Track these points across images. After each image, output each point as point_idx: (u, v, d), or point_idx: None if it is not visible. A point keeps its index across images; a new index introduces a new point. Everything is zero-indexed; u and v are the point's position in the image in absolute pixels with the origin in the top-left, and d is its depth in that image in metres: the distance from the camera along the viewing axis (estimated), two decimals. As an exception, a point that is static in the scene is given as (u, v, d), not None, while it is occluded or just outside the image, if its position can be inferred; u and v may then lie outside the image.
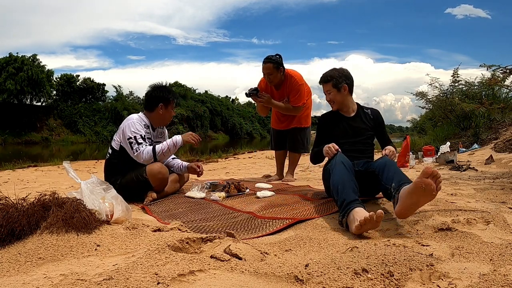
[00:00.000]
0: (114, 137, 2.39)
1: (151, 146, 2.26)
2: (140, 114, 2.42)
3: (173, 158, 2.62)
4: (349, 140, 2.14)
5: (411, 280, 0.94)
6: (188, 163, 2.62)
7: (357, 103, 2.26)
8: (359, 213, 1.43)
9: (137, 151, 2.22)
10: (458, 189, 2.42)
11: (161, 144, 2.30)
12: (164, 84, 2.52)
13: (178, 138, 2.38)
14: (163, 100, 2.40)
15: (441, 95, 8.56)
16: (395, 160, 1.90)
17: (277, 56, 3.05)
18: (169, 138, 2.48)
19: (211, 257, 1.10)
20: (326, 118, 2.27)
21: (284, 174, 3.37)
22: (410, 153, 4.60)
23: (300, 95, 3.09)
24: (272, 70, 3.02)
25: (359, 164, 2.03)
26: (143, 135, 2.28)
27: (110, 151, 2.38)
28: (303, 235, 1.43)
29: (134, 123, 2.30)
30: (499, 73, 5.48)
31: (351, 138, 2.16)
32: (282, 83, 3.12)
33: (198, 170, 2.55)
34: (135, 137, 2.25)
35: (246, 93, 3.14)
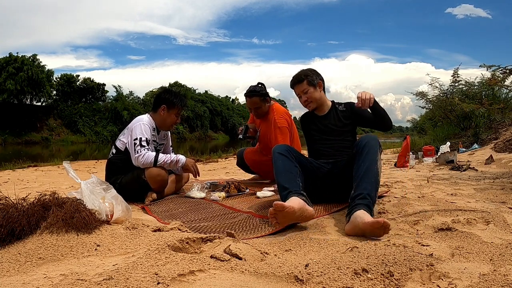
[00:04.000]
0: (119, 137, 2.38)
1: (154, 153, 2.26)
2: (148, 115, 2.43)
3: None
4: (323, 137, 2.11)
5: (411, 280, 0.94)
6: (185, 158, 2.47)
7: (332, 101, 2.21)
8: None
9: (138, 153, 2.22)
10: (458, 189, 2.42)
11: (164, 155, 2.29)
12: (177, 91, 2.54)
13: (182, 159, 2.38)
14: (166, 102, 2.40)
15: (441, 95, 8.56)
16: (370, 105, 1.86)
17: (261, 86, 2.75)
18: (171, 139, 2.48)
19: (211, 257, 1.10)
20: (306, 118, 2.24)
21: None
22: (410, 153, 4.60)
23: (284, 138, 2.67)
24: (260, 103, 2.72)
25: (336, 164, 1.96)
26: (148, 139, 2.29)
27: (114, 150, 2.38)
28: (303, 235, 1.43)
29: (144, 124, 2.31)
30: (499, 73, 5.49)
31: (327, 136, 2.11)
32: (267, 115, 2.76)
33: (193, 169, 2.44)
34: (140, 138, 2.25)
35: (240, 138, 2.89)
